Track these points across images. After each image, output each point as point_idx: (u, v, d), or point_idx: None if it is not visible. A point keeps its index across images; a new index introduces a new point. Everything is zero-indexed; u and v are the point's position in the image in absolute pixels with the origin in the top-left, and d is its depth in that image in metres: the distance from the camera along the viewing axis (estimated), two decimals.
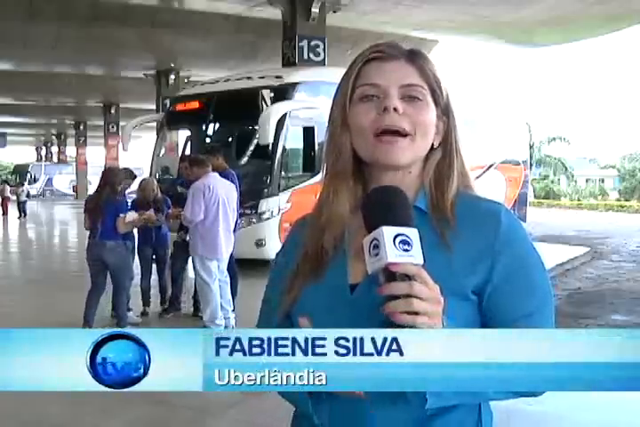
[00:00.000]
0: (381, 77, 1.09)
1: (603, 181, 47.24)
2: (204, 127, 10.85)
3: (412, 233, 0.93)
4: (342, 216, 1.12)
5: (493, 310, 1.06)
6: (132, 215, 6.22)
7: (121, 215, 6.02)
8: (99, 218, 6.03)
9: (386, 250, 0.90)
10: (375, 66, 1.10)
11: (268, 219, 9.31)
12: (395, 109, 1.06)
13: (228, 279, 6.15)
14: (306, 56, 12.39)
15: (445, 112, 1.13)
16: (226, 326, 6.05)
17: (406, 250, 0.91)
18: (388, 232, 0.92)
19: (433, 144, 1.13)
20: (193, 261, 6.17)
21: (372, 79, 1.09)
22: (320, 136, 8.82)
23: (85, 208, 6.33)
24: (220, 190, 6.00)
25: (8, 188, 26.56)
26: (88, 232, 6.23)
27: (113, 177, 6.23)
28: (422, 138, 1.09)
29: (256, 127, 9.16)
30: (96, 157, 43.21)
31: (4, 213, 25.24)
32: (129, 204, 6.46)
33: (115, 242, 6.02)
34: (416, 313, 0.89)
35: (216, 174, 6.18)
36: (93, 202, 6.20)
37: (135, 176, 7.22)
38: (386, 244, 0.91)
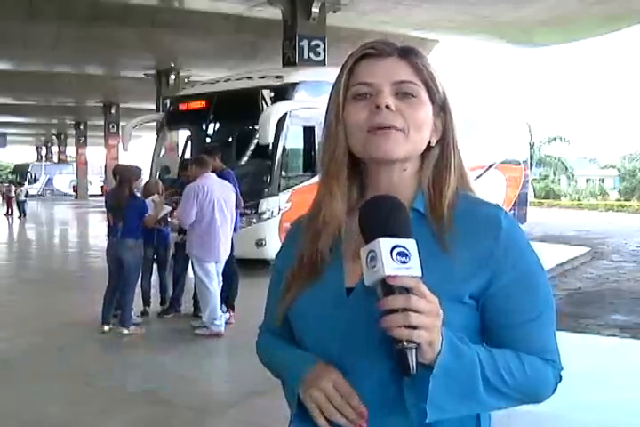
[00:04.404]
0: (374, 75, 1.07)
1: (603, 181, 47.20)
2: (204, 127, 10.85)
3: (410, 244, 0.90)
4: (338, 217, 1.10)
5: (497, 315, 1.05)
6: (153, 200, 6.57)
7: (150, 213, 6.26)
8: (120, 217, 6.07)
9: (383, 262, 0.88)
10: (367, 63, 1.09)
11: (268, 219, 9.30)
12: (387, 107, 1.04)
13: (220, 279, 6.13)
14: (306, 56, 12.37)
15: (443, 109, 1.11)
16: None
17: (404, 262, 0.89)
18: (385, 244, 0.89)
19: (430, 142, 1.10)
20: (192, 263, 6.17)
21: (365, 78, 1.07)
22: (320, 136, 8.80)
23: (107, 206, 6.44)
24: (217, 192, 5.94)
25: (13, 188, 26.61)
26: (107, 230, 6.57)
27: (130, 175, 6.24)
28: (416, 132, 1.06)
29: (256, 127, 9.15)
30: (96, 156, 43.24)
31: (9, 213, 25.34)
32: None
33: (135, 241, 6.09)
34: (414, 327, 0.88)
35: (213, 175, 6.12)
36: (115, 201, 6.23)
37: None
38: (383, 256, 0.88)
